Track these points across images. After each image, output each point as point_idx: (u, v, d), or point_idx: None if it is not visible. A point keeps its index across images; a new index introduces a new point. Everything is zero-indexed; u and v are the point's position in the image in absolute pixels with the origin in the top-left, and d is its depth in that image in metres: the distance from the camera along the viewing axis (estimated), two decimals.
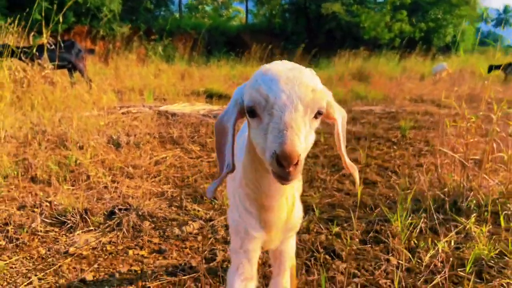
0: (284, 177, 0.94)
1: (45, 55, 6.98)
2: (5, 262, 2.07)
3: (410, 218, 2.55)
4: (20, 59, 6.61)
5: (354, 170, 1.24)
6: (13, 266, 2.07)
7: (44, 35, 6.78)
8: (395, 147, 4.91)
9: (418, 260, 2.16)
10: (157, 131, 5.02)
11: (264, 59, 16.53)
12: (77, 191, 2.99)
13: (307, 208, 2.87)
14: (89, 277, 1.97)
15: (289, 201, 1.28)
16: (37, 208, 2.66)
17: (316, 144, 5.00)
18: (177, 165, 3.86)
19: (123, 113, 6.02)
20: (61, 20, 6.55)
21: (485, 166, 2.80)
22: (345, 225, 2.61)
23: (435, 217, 2.59)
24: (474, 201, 2.67)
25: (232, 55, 17.63)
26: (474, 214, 2.50)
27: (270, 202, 1.22)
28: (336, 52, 16.57)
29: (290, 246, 1.50)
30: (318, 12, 21.33)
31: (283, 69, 1.00)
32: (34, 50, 6.83)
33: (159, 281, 1.96)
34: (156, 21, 20.31)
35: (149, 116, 5.84)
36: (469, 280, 1.95)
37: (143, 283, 1.94)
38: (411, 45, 18.48)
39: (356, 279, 2.03)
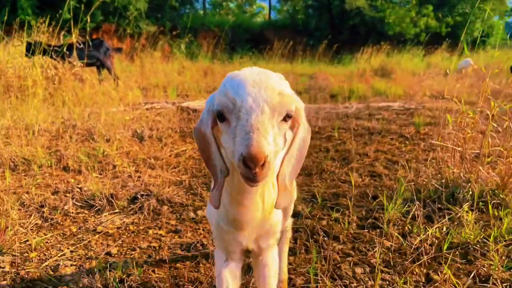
0: (251, 179, 0.94)
1: (75, 53, 7.41)
2: (42, 238, 2.40)
3: (407, 206, 2.75)
4: (51, 57, 7.06)
5: (284, 190, 1.14)
6: (48, 241, 2.40)
7: (73, 35, 7.22)
8: (407, 142, 5.05)
9: (409, 244, 2.37)
10: (178, 126, 5.34)
11: (286, 55, 16.75)
12: (104, 179, 3.31)
13: (313, 197, 3.11)
14: (114, 251, 2.28)
15: (267, 202, 1.26)
16: (69, 193, 3.00)
17: (329, 138, 5.21)
18: (195, 157, 4.15)
19: (147, 109, 6.38)
20: (88, 20, 6.97)
21: (482, 159, 2.96)
22: (346, 212, 2.82)
23: (431, 206, 2.79)
24: (470, 192, 2.84)
25: (254, 52, 17.90)
26: (467, 203, 2.67)
27: (243, 199, 1.21)
28: (359, 48, 16.51)
29: (273, 259, 1.44)
30: (342, 8, 21.30)
31: (250, 74, 1.03)
32: (65, 49, 7.28)
33: (174, 255, 2.25)
34: (181, 19, 20.77)
35: (171, 111, 6.17)
36: (447, 259, 2.14)
37: (160, 256, 2.23)
38: (438, 40, 18.24)
39: (349, 258, 2.25)
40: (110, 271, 2.01)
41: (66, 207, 2.77)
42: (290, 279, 2.04)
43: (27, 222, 2.55)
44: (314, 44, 19.81)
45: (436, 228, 2.49)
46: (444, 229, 2.52)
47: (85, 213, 2.76)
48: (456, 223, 2.60)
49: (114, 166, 3.64)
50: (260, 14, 29.86)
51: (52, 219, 2.63)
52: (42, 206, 2.78)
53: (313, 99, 9.15)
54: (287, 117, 1.02)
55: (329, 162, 4.08)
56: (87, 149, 4.07)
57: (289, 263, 2.17)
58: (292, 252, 2.32)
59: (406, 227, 2.56)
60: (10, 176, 3.23)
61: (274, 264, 1.44)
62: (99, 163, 3.73)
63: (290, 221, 1.97)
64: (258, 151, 0.88)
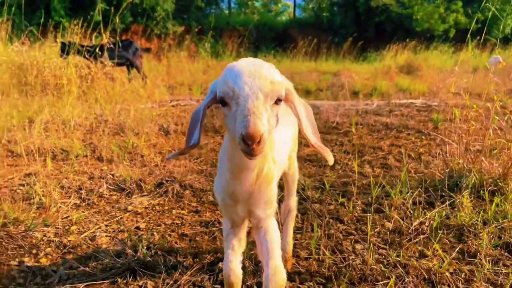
0: (249, 153, 1.13)
1: (106, 53, 7.89)
2: (80, 215, 2.76)
3: (411, 194, 2.97)
4: (84, 57, 7.55)
5: (323, 150, 1.41)
6: (86, 217, 2.76)
7: (104, 36, 7.71)
8: (423, 137, 5.21)
9: (408, 225, 2.59)
10: None
11: (310, 53, 16.90)
12: (134, 167, 3.68)
13: (323, 185, 3.37)
14: (142, 226, 2.62)
15: (265, 175, 1.48)
16: (103, 179, 3.38)
17: (346, 134, 5.42)
18: (216, 150, 4.47)
19: (173, 106, 6.77)
20: (117, 21, 7.42)
21: (485, 150, 3.15)
22: (353, 198, 3.07)
23: (433, 194, 3.00)
24: (473, 181, 3.03)
25: (279, 50, 18.15)
26: (467, 191, 2.87)
27: (241, 175, 1.44)
28: (385, 45, 16.44)
29: (274, 226, 1.60)
30: (368, 5, 21.23)
31: (246, 65, 1.21)
32: (97, 49, 7.77)
33: (194, 230, 2.57)
34: (206, 19, 21.25)
35: (195, 108, 6.53)
36: (441, 238, 2.36)
37: (182, 231, 2.55)
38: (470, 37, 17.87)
39: (351, 237, 2.51)
40: (139, 240, 2.34)
41: (100, 190, 3.14)
42: (295, 251, 2.31)
43: (67, 201, 2.93)
44: (339, 41, 19.87)
45: (435, 212, 2.70)
46: (444, 213, 2.73)
47: (117, 195, 3.12)
48: (456, 208, 2.80)
49: (142, 156, 4.01)
50: (285, 12, 30.05)
51: (89, 199, 3.00)
52: (80, 189, 3.16)
53: (335, 96, 9.35)
54: (278, 100, 1.22)
55: (343, 155, 4.32)
56: (118, 141, 4.46)
57: (296, 240, 2.45)
58: (299, 230, 2.60)
59: (407, 212, 2.78)
60: (51, 163, 3.64)
61: (275, 231, 1.58)
62: (129, 154, 4.10)
63: (295, 199, 2.24)
64: (255, 130, 1.08)
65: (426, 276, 2.03)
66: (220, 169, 1.58)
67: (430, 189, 3.08)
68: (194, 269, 2.11)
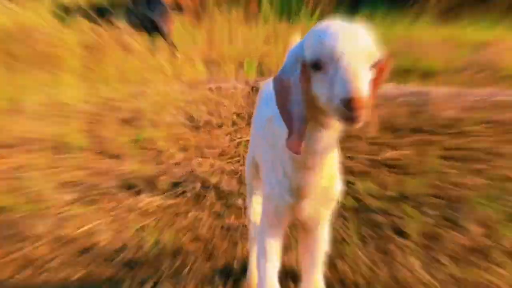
0: (352, 119, 1.43)
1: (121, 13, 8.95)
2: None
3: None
4: (90, 19, 8.72)
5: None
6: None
7: None
8: None
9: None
10: (246, 111, 6.58)
11: (442, 13, 17.15)
12: (145, 164, 4.72)
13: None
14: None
15: (332, 168, 1.90)
16: (107, 175, 4.46)
17: (460, 135, 6.05)
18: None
19: (210, 89, 7.66)
20: None
21: None
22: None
23: None
24: None
25: (390, 8, 18.52)
26: None
27: (314, 159, 1.77)
28: None
29: (326, 233, 2.10)
30: None
31: (342, 26, 1.53)
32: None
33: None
34: None
35: (241, 93, 7.42)
36: None
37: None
38: None
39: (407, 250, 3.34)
40: None
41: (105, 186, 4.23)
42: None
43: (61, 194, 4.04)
44: None
45: None
46: None
47: (125, 195, 4.19)
48: None
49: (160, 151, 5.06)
50: None
51: (88, 197, 4.10)
52: (78, 185, 4.26)
53: (470, 81, 9.39)
54: (373, 65, 1.55)
55: (441, 161, 4.99)
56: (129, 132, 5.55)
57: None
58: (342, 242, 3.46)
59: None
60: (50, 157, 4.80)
61: (326, 242, 2.13)
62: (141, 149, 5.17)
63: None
64: (361, 94, 1.40)
65: None
66: (274, 164, 1.98)
67: None
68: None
